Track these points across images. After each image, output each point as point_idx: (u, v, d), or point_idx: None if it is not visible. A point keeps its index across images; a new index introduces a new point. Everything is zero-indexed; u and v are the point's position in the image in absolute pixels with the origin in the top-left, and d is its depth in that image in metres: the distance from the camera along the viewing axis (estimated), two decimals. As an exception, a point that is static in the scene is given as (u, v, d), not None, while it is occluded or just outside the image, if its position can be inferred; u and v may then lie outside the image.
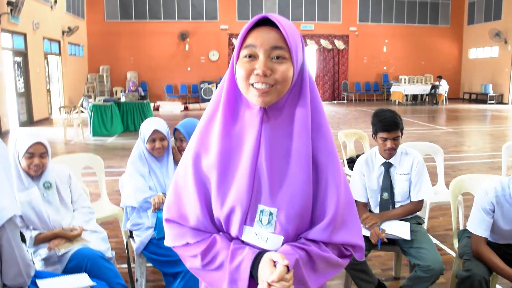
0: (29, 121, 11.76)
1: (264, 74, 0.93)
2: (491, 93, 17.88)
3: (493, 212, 2.14)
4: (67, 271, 2.02)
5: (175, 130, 2.59)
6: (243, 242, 1.03)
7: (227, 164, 1.00)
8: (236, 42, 1.00)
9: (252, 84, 0.96)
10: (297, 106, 1.00)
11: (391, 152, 2.51)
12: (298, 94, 1.00)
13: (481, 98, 18.39)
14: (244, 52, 0.97)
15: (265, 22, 0.97)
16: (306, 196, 0.99)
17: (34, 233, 2.13)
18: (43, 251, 2.10)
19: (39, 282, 1.78)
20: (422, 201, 2.56)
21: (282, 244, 1.01)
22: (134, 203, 2.39)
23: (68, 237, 2.15)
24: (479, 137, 9.59)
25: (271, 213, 0.99)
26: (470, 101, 19.19)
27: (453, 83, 19.30)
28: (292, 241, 1.02)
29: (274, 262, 0.95)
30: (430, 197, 2.68)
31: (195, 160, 1.05)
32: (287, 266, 0.94)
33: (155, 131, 2.45)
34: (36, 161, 2.15)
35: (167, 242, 1.10)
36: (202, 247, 1.03)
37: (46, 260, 2.09)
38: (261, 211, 1.00)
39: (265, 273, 0.94)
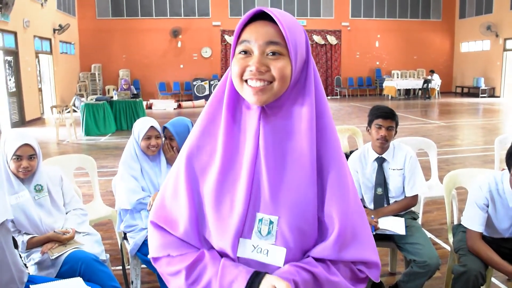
0: (21, 121, 11.65)
1: (258, 70, 0.87)
2: (483, 86, 17.99)
3: (487, 207, 2.15)
4: (61, 275, 2.00)
5: (164, 128, 2.58)
6: (238, 259, 0.92)
7: (226, 169, 0.93)
8: (232, 38, 0.97)
9: (247, 81, 0.89)
10: (301, 105, 0.91)
11: (383, 142, 2.50)
12: (302, 92, 0.92)
13: (473, 92, 18.49)
14: (239, 48, 0.90)
15: (262, 16, 0.90)
16: (309, 202, 0.90)
17: (26, 237, 2.10)
18: (36, 255, 2.07)
19: (32, 287, 1.76)
20: (416, 196, 2.57)
21: (285, 259, 0.90)
22: (128, 206, 2.37)
23: (61, 240, 2.12)
24: (471, 131, 9.65)
25: (271, 222, 0.90)
26: (462, 94, 19.30)
27: (445, 77, 19.39)
28: (296, 257, 0.91)
29: None
30: (424, 192, 2.69)
31: (188, 163, 0.97)
32: None
33: (152, 128, 2.45)
34: (25, 163, 2.11)
35: (150, 253, 1.00)
36: (187, 261, 0.92)
37: (40, 264, 2.06)
38: (260, 220, 0.91)
39: None
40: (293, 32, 0.88)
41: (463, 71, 19.84)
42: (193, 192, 0.96)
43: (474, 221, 2.15)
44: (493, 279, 2.75)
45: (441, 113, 13.03)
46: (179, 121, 2.61)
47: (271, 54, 0.88)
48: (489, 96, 17.63)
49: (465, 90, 19.37)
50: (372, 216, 2.42)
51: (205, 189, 0.95)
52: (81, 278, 1.86)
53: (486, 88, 17.88)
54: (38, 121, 12.48)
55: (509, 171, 2.05)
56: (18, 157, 2.10)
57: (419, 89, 18.01)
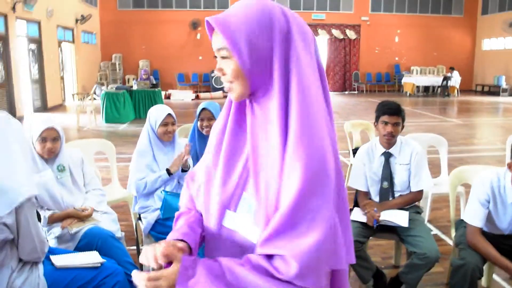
0: (43, 107, 11.97)
1: (220, 75, 0.99)
2: (504, 85, 17.63)
3: (489, 203, 2.19)
4: (79, 248, 2.14)
5: (203, 110, 2.71)
6: (222, 227, 1.02)
7: (231, 151, 1.04)
8: None
9: None
10: (269, 96, 0.93)
11: (390, 138, 2.56)
12: (270, 82, 0.93)
13: (494, 90, 18.13)
14: None
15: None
16: (276, 192, 0.91)
17: (48, 213, 2.24)
18: (57, 230, 2.21)
19: (52, 257, 1.90)
20: (422, 191, 2.62)
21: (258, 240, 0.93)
22: (134, 192, 2.56)
23: (80, 217, 2.26)
24: (489, 130, 9.54)
25: (250, 205, 0.98)
26: (483, 93, 18.94)
27: (466, 75, 19.03)
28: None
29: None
30: (429, 188, 2.73)
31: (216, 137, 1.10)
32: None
33: (169, 115, 2.58)
34: (49, 145, 2.26)
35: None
36: (185, 215, 1.15)
37: (59, 238, 2.20)
38: (244, 199, 1.00)
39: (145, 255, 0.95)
40: (233, 32, 0.91)
41: (484, 69, 19.46)
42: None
43: (474, 217, 2.19)
44: (495, 277, 2.78)
45: (459, 111, 12.86)
46: (214, 104, 2.78)
47: (221, 58, 0.97)
48: (510, 95, 17.28)
49: (486, 88, 19.00)
50: (375, 209, 2.49)
51: (212, 162, 1.08)
52: (97, 252, 1.99)
53: (507, 87, 17.52)
54: (59, 107, 12.80)
55: (510, 167, 2.09)
56: (43, 139, 2.25)
57: (438, 86, 17.76)
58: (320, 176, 0.88)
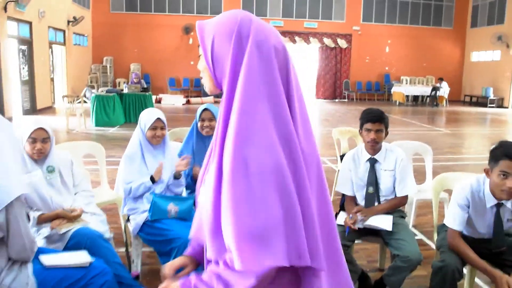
0: (32, 109, 11.89)
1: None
2: (491, 96, 17.95)
3: (468, 207, 2.26)
4: (68, 249, 2.15)
5: (204, 110, 2.76)
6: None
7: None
8: None
9: None
10: (222, 100, 1.02)
11: (374, 145, 2.64)
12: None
13: (482, 101, 18.44)
14: None
15: None
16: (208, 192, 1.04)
17: (37, 213, 2.25)
18: (45, 230, 2.23)
19: (41, 257, 1.91)
20: (406, 196, 2.70)
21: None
22: (121, 193, 2.63)
23: (69, 217, 2.28)
24: (476, 140, 9.70)
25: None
26: (471, 103, 19.25)
27: (454, 86, 19.35)
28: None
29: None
30: (413, 193, 2.82)
31: None
32: None
33: (158, 119, 2.61)
34: (39, 145, 2.28)
35: None
36: None
37: (48, 239, 2.22)
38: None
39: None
40: (202, 34, 1.05)
41: (472, 80, 19.80)
42: None
43: (454, 220, 2.27)
44: (477, 280, 2.85)
45: (447, 121, 13.06)
46: (214, 106, 2.81)
47: (198, 56, 1.13)
48: (497, 107, 17.60)
49: (474, 99, 19.33)
50: (359, 215, 2.54)
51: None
52: (86, 251, 2.01)
53: (494, 98, 17.83)
54: (49, 110, 12.72)
55: (487, 173, 2.17)
56: (33, 140, 2.27)
57: (428, 96, 18.02)
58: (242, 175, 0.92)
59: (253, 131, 0.93)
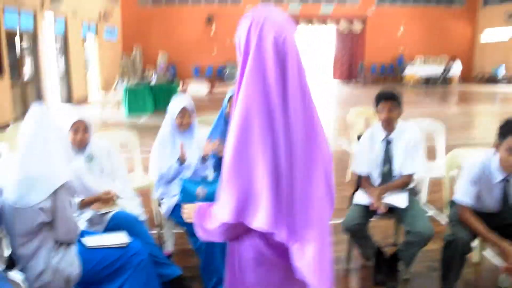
0: (69, 100, 12.13)
1: None
2: (503, 74, 17.30)
3: (478, 182, 2.22)
4: (108, 230, 2.23)
5: (231, 97, 2.75)
6: None
7: None
8: None
9: None
10: None
11: (389, 123, 2.59)
12: None
13: (493, 79, 17.80)
14: None
15: None
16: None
17: (78, 199, 2.34)
18: (87, 214, 2.31)
19: (83, 239, 2.00)
20: (411, 175, 2.62)
21: None
22: (155, 177, 2.66)
23: (108, 201, 2.33)
24: (488, 118, 9.42)
25: None
26: (483, 81, 18.60)
27: (467, 65, 18.70)
28: None
29: None
30: (419, 171, 2.67)
31: None
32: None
33: (183, 109, 2.65)
34: (80, 135, 2.33)
35: None
36: None
37: (90, 221, 2.29)
38: None
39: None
40: (238, 34, 1.18)
41: (484, 58, 19.07)
42: None
43: (464, 194, 2.23)
44: (484, 253, 2.81)
45: (460, 100, 12.70)
46: None
47: None
48: (508, 83, 16.95)
49: (486, 75, 18.64)
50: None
51: None
52: (125, 232, 2.08)
53: (506, 75, 17.16)
54: (83, 101, 12.95)
55: (496, 148, 2.12)
56: (74, 130, 2.32)
57: (440, 76, 17.50)
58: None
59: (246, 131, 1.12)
